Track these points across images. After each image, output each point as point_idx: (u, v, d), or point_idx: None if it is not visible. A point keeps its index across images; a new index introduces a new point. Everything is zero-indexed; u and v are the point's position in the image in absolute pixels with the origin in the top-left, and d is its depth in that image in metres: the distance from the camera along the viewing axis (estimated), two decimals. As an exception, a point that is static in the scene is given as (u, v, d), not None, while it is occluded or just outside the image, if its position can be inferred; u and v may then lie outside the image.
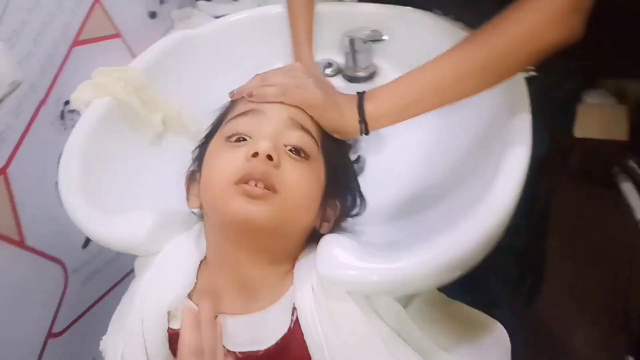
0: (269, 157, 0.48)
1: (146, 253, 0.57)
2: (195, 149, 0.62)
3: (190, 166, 0.62)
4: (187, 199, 0.59)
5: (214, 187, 0.51)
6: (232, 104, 0.59)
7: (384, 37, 0.76)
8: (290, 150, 0.52)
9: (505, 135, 0.54)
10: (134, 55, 1.10)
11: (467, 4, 0.70)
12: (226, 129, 0.55)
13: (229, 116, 0.56)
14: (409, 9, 0.81)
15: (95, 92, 0.69)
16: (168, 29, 1.22)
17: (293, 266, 0.54)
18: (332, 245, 0.49)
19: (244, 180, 0.48)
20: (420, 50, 0.60)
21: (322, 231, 0.55)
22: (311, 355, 0.49)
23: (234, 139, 0.53)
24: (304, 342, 0.49)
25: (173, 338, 0.52)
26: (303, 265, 0.53)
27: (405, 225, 0.62)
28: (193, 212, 0.61)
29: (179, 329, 0.52)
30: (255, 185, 0.48)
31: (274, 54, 0.87)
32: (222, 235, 0.54)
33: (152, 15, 1.16)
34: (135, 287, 0.57)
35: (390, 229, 0.62)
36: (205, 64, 0.83)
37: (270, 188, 0.48)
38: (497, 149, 0.54)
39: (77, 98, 0.70)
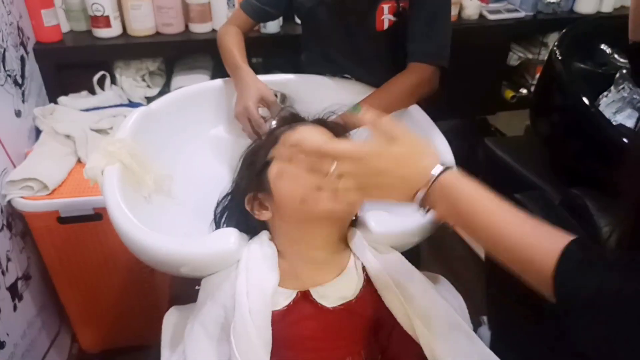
0: None
1: (231, 263, 0.69)
2: (242, 180, 0.79)
3: (225, 200, 0.79)
4: (257, 215, 0.75)
5: (300, 195, 0.70)
6: (275, 139, 0.79)
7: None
8: None
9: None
10: (7, 154, 1.12)
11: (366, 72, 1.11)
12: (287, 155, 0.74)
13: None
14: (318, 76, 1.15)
15: (105, 160, 0.78)
16: (31, 127, 1.26)
17: (344, 245, 0.75)
18: (377, 215, 0.74)
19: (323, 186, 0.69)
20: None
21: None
22: (381, 295, 0.71)
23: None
24: (375, 290, 0.71)
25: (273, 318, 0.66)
26: (354, 240, 0.75)
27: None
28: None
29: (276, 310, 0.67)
30: None
31: (209, 118, 1.08)
32: (299, 231, 0.72)
33: (18, 114, 1.20)
34: (222, 294, 0.68)
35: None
36: (160, 132, 0.97)
37: None
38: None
39: (91, 167, 0.77)
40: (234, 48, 1.07)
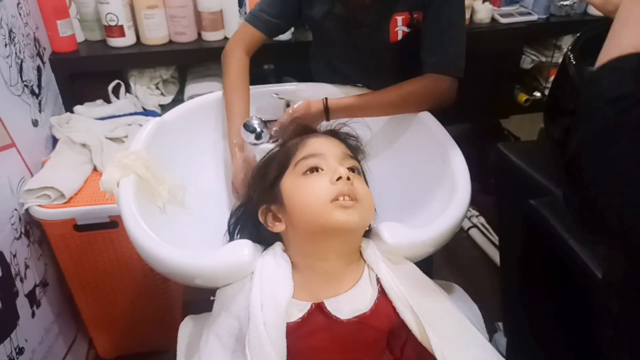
0: (348, 178, 0.71)
1: (246, 274, 0.70)
2: (255, 192, 0.79)
3: (238, 211, 0.79)
4: (270, 227, 0.76)
5: (313, 208, 0.70)
6: (287, 151, 0.79)
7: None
8: (351, 170, 0.75)
9: (448, 165, 0.89)
10: (25, 163, 1.14)
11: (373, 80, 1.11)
12: (299, 168, 0.75)
13: (295, 160, 0.77)
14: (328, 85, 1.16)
15: (121, 172, 0.79)
16: (48, 136, 1.29)
17: (358, 256, 0.75)
18: (390, 226, 0.74)
19: (336, 198, 0.70)
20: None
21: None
22: (395, 307, 0.71)
23: (308, 172, 0.74)
24: (389, 301, 0.71)
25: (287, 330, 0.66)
26: (368, 251, 0.75)
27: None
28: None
29: (290, 322, 0.67)
30: (344, 199, 0.70)
31: (222, 128, 1.08)
32: (313, 243, 0.72)
33: (35, 123, 1.22)
34: (237, 305, 0.69)
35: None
36: (174, 143, 0.98)
37: (354, 199, 0.71)
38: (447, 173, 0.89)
39: (107, 180, 0.78)
40: (233, 94, 1.04)
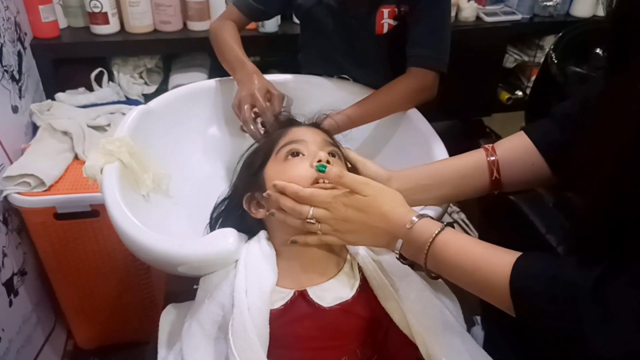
0: (328, 162, 0.71)
1: (230, 262, 0.70)
2: (241, 181, 0.79)
3: (227, 198, 0.80)
4: (254, 213, 0.76)
5: None
6: (271, 141, 0.80)
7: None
8: (332, 155, 0.76)
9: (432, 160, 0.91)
10: (4, 150, 1.12)
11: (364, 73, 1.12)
12: (282, 154, 0.76)
13: (278, 146, 0.78)
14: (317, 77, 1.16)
15: (104, 158, 0.78)
16: (28, 123, 1.27)
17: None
18: None
19: (316, 181, 0.71)
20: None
21: None
22: (377, 296, 0.71)
23: (290, 157, 0.75)
24: (371, 290, 0.72)
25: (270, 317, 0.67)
26: None
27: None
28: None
29: (273, 309, 0.68)
30: (324, 182, 0.70)
31: (207, 118, 1.08)
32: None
33: (15, 109, 1.20)
34: (221, 292, 0.69)
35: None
36: (159, 131, 0.97)
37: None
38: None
39: (91, 166, 0.77)
40: (234, 43, 1.06)
